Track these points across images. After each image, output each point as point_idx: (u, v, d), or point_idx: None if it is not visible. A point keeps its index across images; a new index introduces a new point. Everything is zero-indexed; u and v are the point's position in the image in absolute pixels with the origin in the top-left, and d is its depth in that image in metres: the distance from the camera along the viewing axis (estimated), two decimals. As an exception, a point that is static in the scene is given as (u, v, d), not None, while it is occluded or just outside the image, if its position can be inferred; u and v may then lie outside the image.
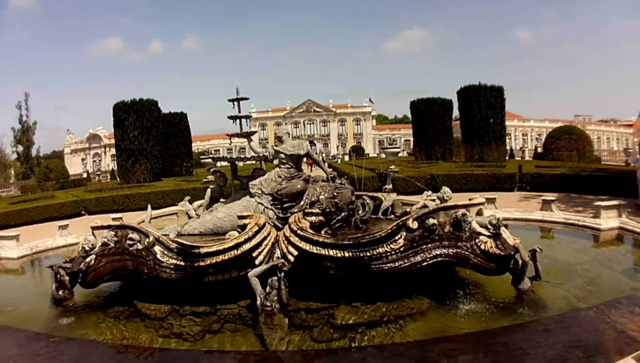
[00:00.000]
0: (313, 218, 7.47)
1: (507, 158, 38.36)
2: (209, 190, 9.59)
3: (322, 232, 7.25)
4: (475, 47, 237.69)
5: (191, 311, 6.89)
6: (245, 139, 9.29)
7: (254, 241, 6.76)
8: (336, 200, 8.01)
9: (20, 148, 62.58)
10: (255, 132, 10.90)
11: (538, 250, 7.14)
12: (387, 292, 6.81)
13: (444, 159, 37.60)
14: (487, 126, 34.67)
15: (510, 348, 5.62)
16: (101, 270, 7.56)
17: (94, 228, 8.12)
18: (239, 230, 7.22)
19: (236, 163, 9.99)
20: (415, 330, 6.10)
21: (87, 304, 7.81)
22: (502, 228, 7.04)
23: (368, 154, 76.30)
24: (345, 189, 8.37)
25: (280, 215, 8.27)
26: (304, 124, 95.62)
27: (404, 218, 6.99)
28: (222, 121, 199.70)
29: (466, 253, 6.82)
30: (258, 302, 6.39)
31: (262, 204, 8.32)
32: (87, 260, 7.62)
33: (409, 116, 51.51)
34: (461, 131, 37.32)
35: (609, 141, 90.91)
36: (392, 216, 9.27)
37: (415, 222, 6.80)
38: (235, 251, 6.63)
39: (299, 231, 6.93)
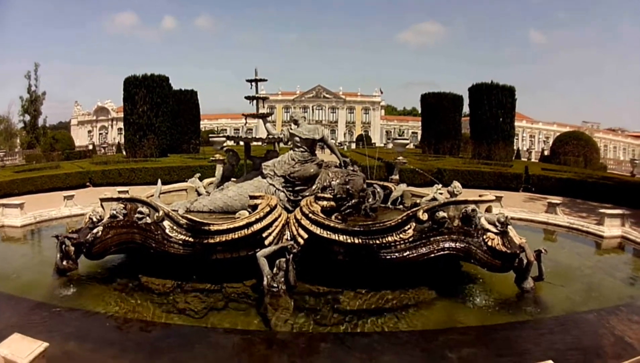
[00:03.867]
0: (324, 203, 7.47)
1: (513, 158, 38.24)
2: (220, 168, 9.55)
3: (333, 217, 7.25)
4: (487, 45, 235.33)
5: (196, 288, 6.93)
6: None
7: (264, 222, 6.77)
8: (348, 186, 8.04)
9: (27, 118, 62.40)
10: (272, 113, 10.90)
11: (543, 251, 7.25)
12: (393, 281, 6.88)
13: (451, 154, 37.57)
14: (496, 125, 34.48)
15: (512, 344, 5.69)
16: (108, 241, 7.49)
17: (102, 200, 8.05)
18: (250, 209, 7.22)
19: (251, 143, 9.90)
20: (419, 320, 6.16)
21: (91, 276, 7.79)
22: (509, 227, 7.11)
23: (375, 143, 75.84)
24: (357, 176, 8.38)
25: (292, 198, 8.28)
26: (312, 110, 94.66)
27: (414, 209, 7.05)
28: (229, 101, 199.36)
29: (473, 248, 6.87)
30: (265, 282, 6.43)
31: (273, 185, 8.34)
32: (95, 231, 7.53)
33: (418, 108, 51.36)
34: (470, 127, 37.16)
35: (616, 150, 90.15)
36: (401, 206, 9.31)
37: (426, 214, 6.87)
38: (246, 230, 6.65)
39: (310, 215, 6.94)
